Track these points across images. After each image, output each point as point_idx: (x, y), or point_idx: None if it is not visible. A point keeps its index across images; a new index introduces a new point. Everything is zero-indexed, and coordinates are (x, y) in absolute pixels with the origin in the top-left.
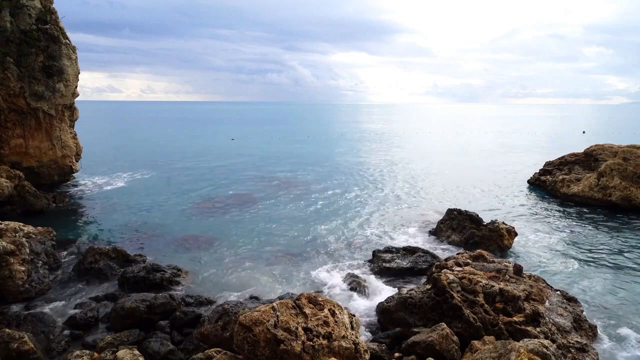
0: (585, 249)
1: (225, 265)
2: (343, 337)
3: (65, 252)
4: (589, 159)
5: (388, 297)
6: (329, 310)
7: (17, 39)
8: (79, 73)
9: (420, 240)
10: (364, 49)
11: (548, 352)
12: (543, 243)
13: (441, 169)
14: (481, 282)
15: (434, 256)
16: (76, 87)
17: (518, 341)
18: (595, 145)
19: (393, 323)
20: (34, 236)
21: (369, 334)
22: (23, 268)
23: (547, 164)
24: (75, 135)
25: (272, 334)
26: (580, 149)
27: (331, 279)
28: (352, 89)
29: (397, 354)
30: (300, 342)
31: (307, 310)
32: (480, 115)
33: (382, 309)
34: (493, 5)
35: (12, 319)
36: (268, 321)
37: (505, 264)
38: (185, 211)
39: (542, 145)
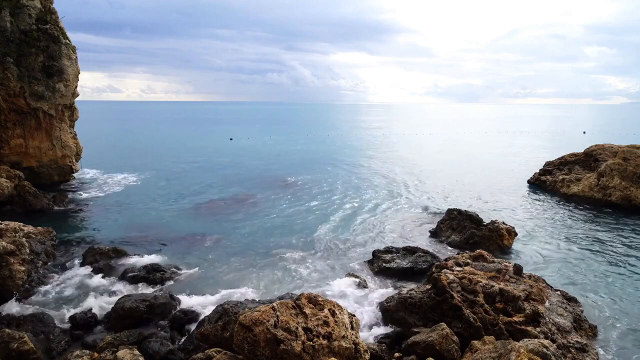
0: (585, 249)
1: (225, 265)
2: (343, 337)
3: (65, 252)
4: (589, 159)
5: (388, 297)
6: (329, 310)
7: (17, 39)
8: (79, 73)
9: (420, 240)
10: (364, 49)
11: (548, 352)
12: (543, 243)
13: (441, 169)
14: (481, 282)
15: (434, 256)
16: (76, 87)
17: (518, 341)
18: (595, 145)
19: (393, 323)
20: (34, 236)
21: (369, 334)
22: (23, 268)
23: (547, 164)
24: (75, 135)
25: (272, 334)
26: (580, 149)
27: (331, 279)
28: (352, 89)
29: (397, 354)
30: (300, 342)
31: (307, 310)
32: (480, 115)
33: (382, 309)
34: (493, 5)
35: (12, 319)
36: (268, 321)
37: (505, 264)
38: (185, 211)
39: (542, 145)
